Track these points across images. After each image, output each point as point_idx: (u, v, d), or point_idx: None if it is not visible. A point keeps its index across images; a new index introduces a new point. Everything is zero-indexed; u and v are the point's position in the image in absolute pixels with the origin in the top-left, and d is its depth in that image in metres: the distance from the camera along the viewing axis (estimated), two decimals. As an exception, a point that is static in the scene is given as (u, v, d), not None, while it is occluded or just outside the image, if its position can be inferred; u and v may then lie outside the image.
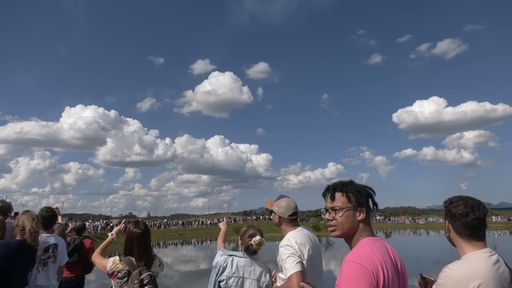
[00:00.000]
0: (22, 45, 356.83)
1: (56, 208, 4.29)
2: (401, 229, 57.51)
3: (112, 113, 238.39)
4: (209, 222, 64.88)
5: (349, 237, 1.52)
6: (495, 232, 43.54)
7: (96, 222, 49.40)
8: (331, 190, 1.59)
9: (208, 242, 38.43)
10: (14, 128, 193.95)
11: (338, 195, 1.54)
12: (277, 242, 2.82)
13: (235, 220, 68.73)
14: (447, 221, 1.81)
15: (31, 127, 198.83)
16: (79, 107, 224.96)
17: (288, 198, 2.67)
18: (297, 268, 2.23)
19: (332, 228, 1.54)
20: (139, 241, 2.69)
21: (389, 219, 74.52)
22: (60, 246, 3.64)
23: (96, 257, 2.84)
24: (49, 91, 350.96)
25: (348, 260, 1.36)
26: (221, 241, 3.15)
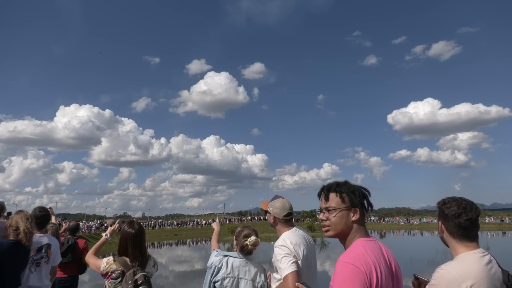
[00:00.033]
0: (16, 44, 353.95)
1: (49, 208, 4.26)
2: (396, 229, 57.84)
3: (107, 112, 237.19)
4: (204, 222, 64.74)
5: (343, 238, 1.53)
6: (488, 233, 43.94)
7: (90, 222, 49.10)
8: (325, 191, 1.59)
9: (203, 242, 38.34)
10: (8, 127, 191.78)
11: (332, 195, 1.55)
12: (272, 243, 2.82)
13: (230, 220, 68.65)
14: (440, 222, 1.82)
15: (24, 126, 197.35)
16: (73, 106, 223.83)
17: (283, 198, 2.68)
18: (293, 268, 2.23)
19: (326, 228, 1.54)
20: (133, 241, 2.68)
21: (384, 220, 74.83)
22: (53, 246, 3.61)
23: (89, 258, 2.82)
24: (43, 90, 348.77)
25: (342, 260, 1.36)
26: (215, 241, 3.14)
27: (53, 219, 4.69)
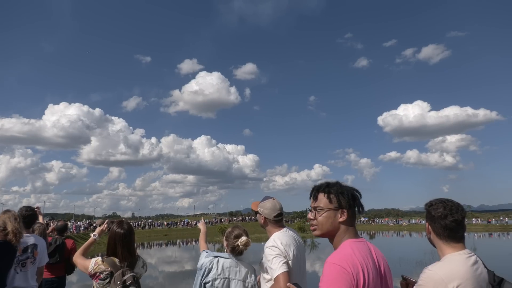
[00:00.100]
0: (5, 41, 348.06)
1: (37, 207, 4.19)
2: (385, 230, 58.33)
3: (97, 111, 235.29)
4: (194, 222, 64.32)
5: (331, 237, 1.54)
6: (475, 234, 44.59)
7: (78, 222, 48.43)
8: (315, 191, 1.61)
9: (193, 242, 38.12)
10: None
11: (320, 195, 1.57)
12: (262, 243, 2.83)
13: (220, 221, 68.46)
14: (427, 223, 1.85)
15: (12, 124, 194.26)
16: (62, 104, 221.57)
17: (274, 199, 2.68)
18: (284, 268, 2.24)
19: (313, 227, 1.57)
20: (122, 241, 2.65)
21: (373, 221, 75.40)
22: (40, 247, 3.54)
23: (77, 258, 2.78)
24: (32, 88, 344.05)
25: (329, 261, 1.37)
26: (204, 241, 3.11)
27: (40, 219, 4.61)
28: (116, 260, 2.62)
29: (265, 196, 2.74)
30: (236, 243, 2.66)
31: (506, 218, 67.93)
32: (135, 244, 2.85)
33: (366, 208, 1.61)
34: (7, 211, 3.18)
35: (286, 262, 2.29)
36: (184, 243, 38.38)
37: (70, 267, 5.28)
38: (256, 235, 25.51)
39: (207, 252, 2.73)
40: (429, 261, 1.77)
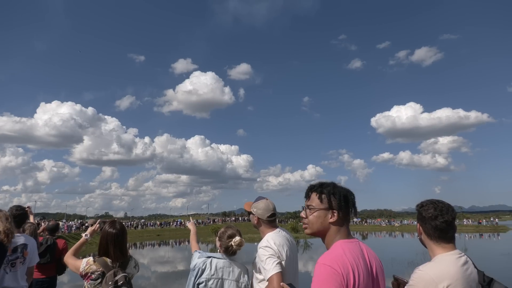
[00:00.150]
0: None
1: (28, 207, 4.14)
2: (377, 231, 58.69)
3: (90, 110, 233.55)
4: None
5: (322, 237, 1.56)
6: (466, 235, 45.10)
7: (70, 222, 48.02)
8: (308, 189, 1.64)
9: (186, 243, 37.96)
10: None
11: (313, 195, 1.59)
12: (255, 244, 2.83)
13: (214, 221, 68.30)
14: (418, 224, 1.87)
15: (3, 123, 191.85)
16: (55, 103, 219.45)
17: (267, 199, 2.68)
18: (277, 269, 2.24)
19: (304, 226, 1.61)
20: (114, 241, 2.63)
21: (366, 221, 75.82)
22: (30, 247, 3.50)
23: (68, 258, 2.75)
24: (24, 86, 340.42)
25: (319, 262, 1.38)
26: (195, 242, 3.09)
27: (31, 219, 4.56)
28: (108, 260, 2.60)
29: (258, 197, 2.74)
30: (230, 243, 2.65)
31: (497, 219, 68.74)
32: (128, 244, 2.83)
33: (358, 209, 1.62)
34: None
35: (280, 263, 2.29)
36: (177, 243, 38.22)
37: (61, 267, 5.22)
38: (249, 235, 25.50)
39: (199, 253, 2.72)
40: (420, 262, 1.79)
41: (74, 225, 42.94)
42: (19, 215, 3.63)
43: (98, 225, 3.12)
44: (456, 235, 1.85)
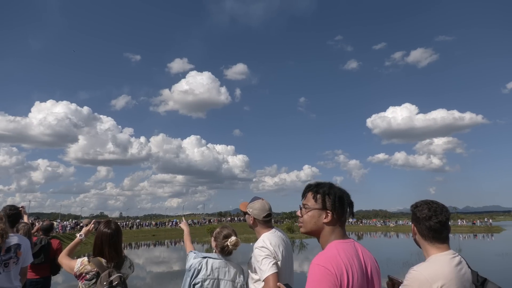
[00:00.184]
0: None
1: (21, 207, 4.11)
2: (373, 231, 58.95)
3: (85, 109, 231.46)
4: (187, 223, 63.79)
5: (316, 236, 1.58)
6: (460, 235, 45.39)
7: (65, 222, 47.69)
8: (305, 189, 1.66)
9: (182, 243, 37.86)
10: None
11: (309, 194, 1.61)
12: (251, 244, 2.83)
13: (209, 221, 68.22)
14: (413, 224, 1.89)
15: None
16: (50, 102, 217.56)
17: (262, 199, 2.68)
18: (273, 269, 2.24)
19: (300, 224, 1.64)
20: (109, 242, 2.62)
21: (361, 222, 76.09)
22: (23, 247, 3.46)
23: (63, 258, 2.74)
24: (18, 85, 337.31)
25: (313, 263, 1.39)
26: (189, 242, 3.07)
27: (25, 219, 4.53)
28: (103, 260, 2.59)
29: (254, 197, 2.74)
30: (226, 243, 2.65)
31: (491, 220, 69.16)
32: (123, 245, 2.82)
33: (354, 209, 1.63)
34: None
35: (276, 263, 2.30)
36: (173, 244, 38.12)
37: (56, 268, 5.18)
38: (245, 235, 25.49)
39: (195, 253, 2.71)
40: (415, 262, 1.80)
41: (68, 225, 42.70)
42: (12, 215, 3.60)
43: (92, 225, 3.11)
44: (451, 235, 1.86)
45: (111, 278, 2.48)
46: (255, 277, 2.41)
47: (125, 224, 56.75)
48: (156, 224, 62.45)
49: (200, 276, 2.54)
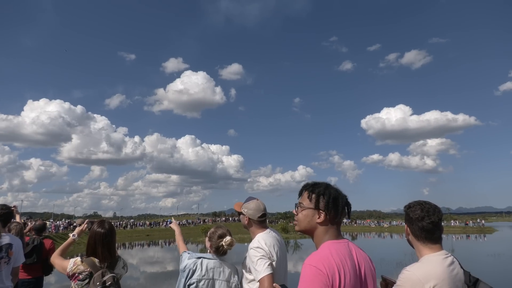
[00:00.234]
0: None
1: (14, 206, 4.07)
2: (367, 232, 59.22)
3: (79, 108, 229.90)
4: (177, 223, 63.64)
5: (311, 235, 1.59)
6: (453, 236, 45.77)
7: (58, 222, 47.33)
8: (302, 188, 1.68)
9: (176, 243, 37.77)
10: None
11: (305, 193, 1.63)
12: (246, 244, 2.82)
13: (204, 221, 68.07)
14: (406, 225, 1.90)
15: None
16: (42, 101, 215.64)
17: (257, 200, 2.68)
18: (269, 270, 2.24)
19: (295, 222, 1.67)
20: (102, 241, 2.60)
21: (355, 222, 76.39)
22: (15, 246, 3.43)
23: (55, 258, 2.71)
24: (11, 83, 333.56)
25: (306, 263, 1.40)
26: (182, 242, 3.02)
27: (17, 218, 4.48)
28: (96, 260, 2.57)
29: (249, 197, 2.73)
30: (221, 243, 2.64)
31: (483, 221, 69.77)
32: (116, 245, 2.80)
33: (350, 211, 1.64)
34: None
35: (271, 264, 2.30)
36: (167, 244, 37.96)
37: (48, 268, 5.13)
38: (240, 235, 25.46)
39: (189, 253, 2.70)
40: (409, 262, 1.81)
41: (61, 225, 42.39)
42: (4, 214, 3.56)
43: (86, 225, 3.09)
44: (444, 236, 1.88)
45: (105, 278, 2.46)
46: (250, 277, 2.41)
47: (119, 224, 56.49)
48: (150, 224, 62.20)
49: (195, 276, 2.53)
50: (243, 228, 2.73)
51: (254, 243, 2.43)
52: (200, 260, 2.61)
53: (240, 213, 2.68)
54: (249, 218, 2.59)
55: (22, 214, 5.17)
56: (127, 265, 2.83)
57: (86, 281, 2.49)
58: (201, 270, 2.56)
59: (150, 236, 48.41)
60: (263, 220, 2.61)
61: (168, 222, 61.73)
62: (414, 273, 1.69)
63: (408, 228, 1.88)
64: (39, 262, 5.01)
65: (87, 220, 3.18)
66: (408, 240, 1.91)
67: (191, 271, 2.55)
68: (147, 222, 64.94)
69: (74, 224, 41.01)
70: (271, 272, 2.24)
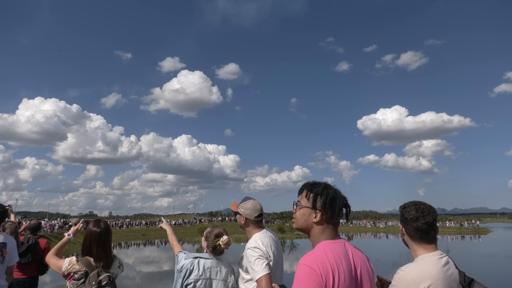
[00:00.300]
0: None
1: (8, 205, 4.04)
2: (363, 232, 59.36)
3: (74, 107, 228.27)
4: (173, 222, 63.74)
5: (308, 234, 1.61)
6: (449, 237, 46.04)
7: (53, 221, 47.07)
8: (302, 186, 1.70)
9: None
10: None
11: (303, 192, 1.65)
12: (242, 244, 2.82)
13: (200, 221, 68.00)
14: (401, 225, 1.91)
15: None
16: (38, 99, 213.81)
17: (254, 200, 2.68)
18: (266, 270, 2.25)
19: (293, 220, 1.69)
20: (98, 241, 2.59)
21: (351, 223, 76.56)
22: (9, 245, 3.41)
23: (50, 258, 2.70)
24: (5, 82, 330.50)
25: (300, 262, 1.41)
26: (176, 242, 2.98)
27: (12, 217, 4.46)
28: (91, 259, 2.56)
29: (245, 197, 2.74)
30: (218, 243, 2.64)
31: (478, 222, 70.21)
32: (112, 244, 2.79)
33: (348, 213, 1.64)
34: None
35: (268, 264, 2.30)
36: (163, 243, 37.86)
37: (43, 267, 5.11)
38: (236, 235, 25.45)
39: (185, 253, 2.68)
40: (404, 262, 1.82)
41: (57, 224, 42.15)
42: (-1, 213, 3.54)
43: (81, 224, 3.08)
44: (439, 236, 1.89)
45: (100, 278, 2.45)
46: (246, 277, 2.41)
47: (115, 223, 56.25)
48: (146, 223, 62.03)
49: (192, 276, 2.53)
50: (239, 228, 2.73)
51: (251, 243, 2.43)
52: (197, 260, 2.60)
53: (236, 213, 2.68)
54: (246, 218, 2.59)
55: (16, 213, 5.13)
56: (123, 265, 2.82)
57: (82, 280, 2.48)
58: (199, 270, 2.56)
59: (146, 235, 48.27)
60: (260, 220, 2.62)
61: (160, 222, 61.40)
62: (409, 273, 1.70)
63: (403, 228, 1.89)
64: (34, 262, 4.99)
65: (82, 219, 3.16)
66: (404, 240, 1.93)
67: (188, 271, 2.54)
68: (143, 222, 64.81)
69: (70, 223, 40.83)
70: (268, 272, 2.25)
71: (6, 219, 3.94)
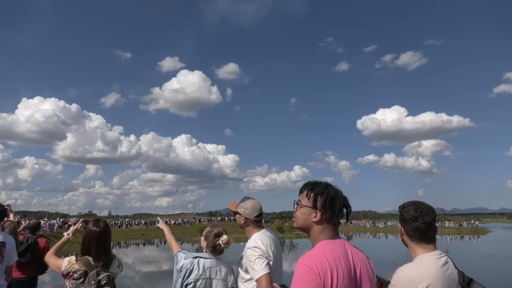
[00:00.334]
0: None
1: (7, 205, 4.04)
2: (362, 232, 59.41)
3: (74, 107, 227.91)
4: (173, 222, 63.74)
5: (307, 233, 1.62)
6: (448, 237, 46.08)
7: (52, 221, 47.02)
8: (303, 186, 1.71)
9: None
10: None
11: (304, 192, 1.66)
12: (242, 243, 2.82)
13: (199, 220, 68.00)
14: (400, 225, 1.91)
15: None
16: (37, 99, 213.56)
17: (253, 199, 2.69)
18: (266, 270, 2.25)
19: (293, 219, 1.70)
20: (97, 240, 2.59)
21: (351, 222, 76.57)
22: (8, 245, 3.41)
23: (49, 257, 2.70)
24: (5, 81, 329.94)
25: (299, 262, 1.41)
26: (175, 242, 2.98)
27: (11, 217, 4.45)
28: (91, 259, 2.56)
29: (245, 197, 2.74)
30: (217, 242, 2.64)
31: (477, 222, 70.27)
32: (111, 244, 2.79)
33: (349, 213, 1.64)
34: None
35: (268, 263, 2.31)
36: (162, 243, 37.84)
37: (42, 267, 5.11)
38: (235, 235, 25.45)
39: (184, 253, 2.67)
40: (404, 262, 1.82)
41: (56, 224, 42.14)
42: (-2, 213, 3.54)
43: (80, 224, 3.07)
44: (438, 236, 1.89)
45: (99, 277, 2.45)
46: (246, 276, 2.41)
47: (114, 223, 56.24)
48: (145, 223, 61.97)
49: (192, 276, 2.52)
50: (238, 228, 2.73)
51: (251, 243, 2.44)
52: (197, 259, 2.60)
53: (236, 213, 2.68)
54: (245, 218, 2.59)
55: (16, 213, 5.14)
56: (122, 264, 2.82)
57: (81, 280, 2.48)
58: (199, 269, 2.55)
59: (146, 235, 48.27)
60: (259, 220, 2.62)
61: (163, 222, 61.39)
62: (407, 273, 1.70)
63: (402, 228, 1.90)
64: (33, 261, 4.99)
65: (81, 219, 3.16)
66: (403, 240, 1.93)
67: (188, 271, 2.54)
68: (143, 221, 64.72)
69: (69, 223, 40.80)
70: (268, 271, 2.25)
71: (5, 218, 3.94)
